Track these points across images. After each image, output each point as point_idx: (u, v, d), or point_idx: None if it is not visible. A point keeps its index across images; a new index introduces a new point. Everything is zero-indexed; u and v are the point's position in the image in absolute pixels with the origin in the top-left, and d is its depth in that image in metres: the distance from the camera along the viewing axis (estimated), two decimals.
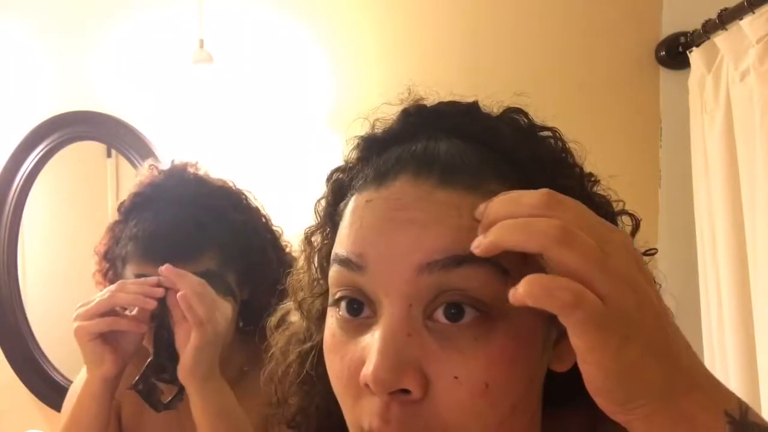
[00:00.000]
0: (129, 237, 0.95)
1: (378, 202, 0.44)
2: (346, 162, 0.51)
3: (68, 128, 1.69)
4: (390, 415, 0.40)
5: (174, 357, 0.89)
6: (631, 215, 0.50)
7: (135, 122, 1.66)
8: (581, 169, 0.49)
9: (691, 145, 1.52)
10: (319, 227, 0.52)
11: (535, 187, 0.39)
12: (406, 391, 0.40)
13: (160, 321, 0.90)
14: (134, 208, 0.98)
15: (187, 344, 0.87)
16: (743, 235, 1.30)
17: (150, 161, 1.08)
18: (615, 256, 0.35)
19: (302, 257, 0.54)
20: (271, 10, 1.69)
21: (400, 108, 0.50)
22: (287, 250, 1.07)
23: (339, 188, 0.50)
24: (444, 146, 0.45)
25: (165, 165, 1.04)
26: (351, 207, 0.46)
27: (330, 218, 0.51)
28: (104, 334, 0.88)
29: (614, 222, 0.49)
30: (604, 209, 0.48)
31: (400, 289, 0.41)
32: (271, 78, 1.66)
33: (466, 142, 0.46)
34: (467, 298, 0.40)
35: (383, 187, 0.44)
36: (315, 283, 0.52)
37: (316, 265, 0.52)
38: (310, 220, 0.54)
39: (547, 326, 0.43)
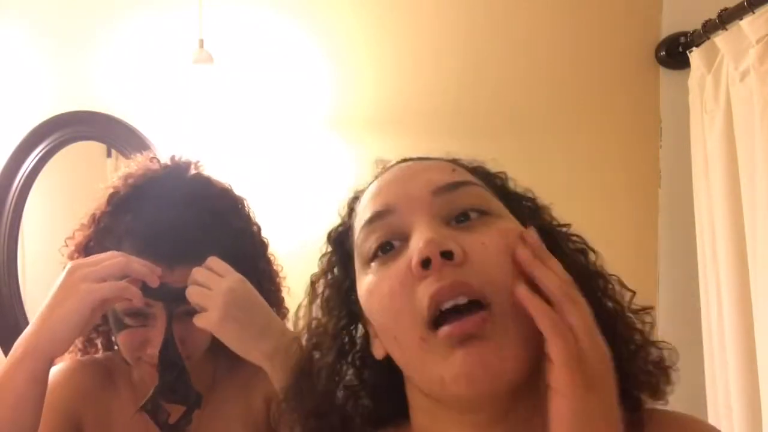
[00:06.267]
0: (126, 231, 0.89)
1: (384, 177, 0.61)
2: (342, 218, 0.65)
3: (68, 128, 1.69)
4: (443, 275, 0.51)
5: (183, 374, 0.85)
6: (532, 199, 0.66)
7: (135, 122, 1.66)
8: (505, 177, 0.66)
9: (691, 145, 1.52)
10: (323, 273, 0.65)
11: (474, 172, 0.62)
12: (449, 258, 0.51)
13: (164, 339, 0.85)
14: (130, 201, 0.92)
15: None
16: (743, 235, 1.30)
17: (149, 153, 1.01)
18: (598, 340, 0.50)
19: (305, 302, 0.66)
20: (271, 10, 1.69)
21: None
22: (272, 263, 1.04)
23: (342, 239, 0.64)
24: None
25: (165, 160, 0.98)
26: (364, 196, 0.61)
27: (339, 256, 0.64)
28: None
29: (533, 213, 0.64)
30: (520, 201, 0.64)
31: (424, 209, 0.55)
32: (271, 78, 1.66)
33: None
34: (470, 206, 0.56)
35: (384, 175, 0.61)
36: (330, 312, 0.64)
37: (325, 299, 0.64)
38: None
39: None
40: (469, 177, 0.59)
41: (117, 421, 0.95)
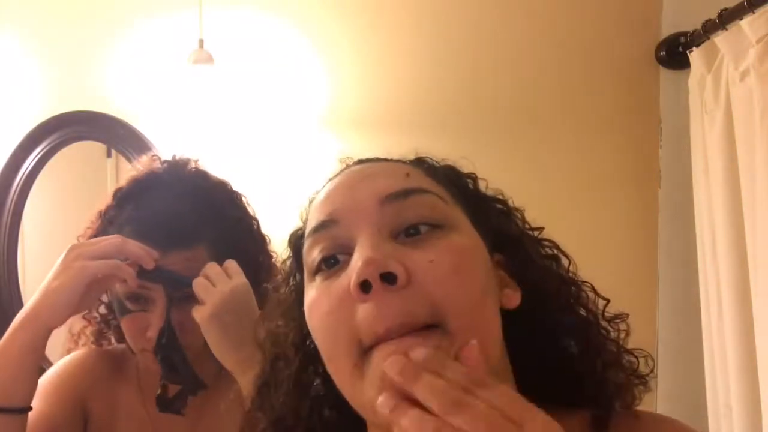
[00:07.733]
0: (126, 219, 0.93)
1: (334, 181, 0.57)
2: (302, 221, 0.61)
3: (68, 128, 1.69)
4: (383, 302, 0.47)
5: (182, 356, 0.88)
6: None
7: (135, 122, 1.66)
8: (475, 178, 0.63)
9: (691, 145, 1.52)
10: (285, 279, 0.62)
11: (437, 175, 0.57)
12: (391, 281, 0.47)
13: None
14: (132, 194, 0.97)
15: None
16: (743, 234, 1.30)
17: (151, 153, 1.06)
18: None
19: (267, 309, 0.64)
20: (271, 10, 1.69)
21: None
22: (273, 258, 1.04)
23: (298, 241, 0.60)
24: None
25: (166, 158, 1.03)
26: (315, 200, 0.57)
27: (296, 259, 0.60)
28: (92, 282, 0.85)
29: (507, 213, 0.61)
30: (490, 204, 0.61)
31: (369, 220, 0.51)
32: (271, 78, 1.66)
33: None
34: (421, 218, 0.51)
35: (335, 178, 0.58)
36: (293, 319, 0.60)
37: (288, 306, 0.61)
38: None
39: (489, 251, 0.55)
40: (423, 183, 0.55)
41: (121, 408, 1.00)
